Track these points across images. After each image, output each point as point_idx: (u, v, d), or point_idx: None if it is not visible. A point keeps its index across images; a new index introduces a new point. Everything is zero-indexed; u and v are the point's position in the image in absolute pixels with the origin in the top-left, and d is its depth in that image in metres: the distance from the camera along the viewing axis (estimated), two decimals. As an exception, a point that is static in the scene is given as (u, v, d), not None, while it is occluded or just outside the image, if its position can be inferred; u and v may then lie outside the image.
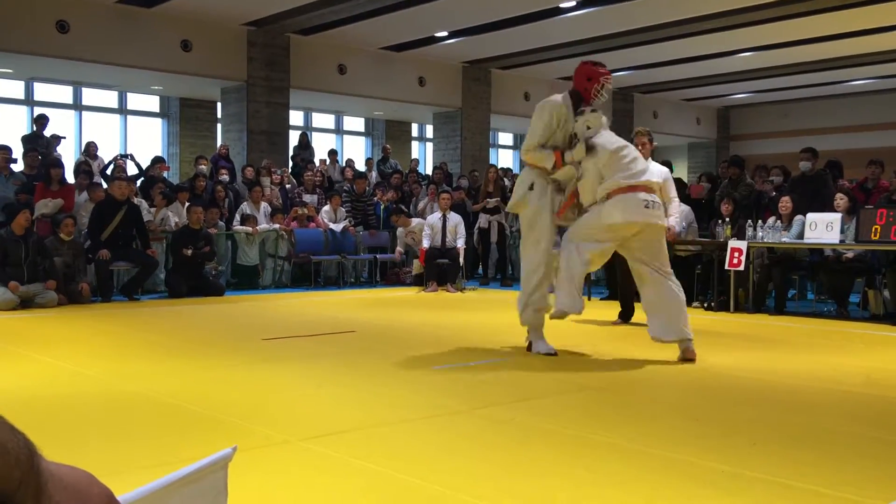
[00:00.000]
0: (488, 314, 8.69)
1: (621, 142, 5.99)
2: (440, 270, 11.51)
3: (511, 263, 13.58)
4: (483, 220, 12.98)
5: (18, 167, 11.17)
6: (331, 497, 2.90)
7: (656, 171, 7.24)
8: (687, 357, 5.77)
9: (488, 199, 13.05)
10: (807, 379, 5.19)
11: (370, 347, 6.32)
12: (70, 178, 11.23)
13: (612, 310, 9.21)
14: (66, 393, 4.61)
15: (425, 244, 11.58)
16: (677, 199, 7.55)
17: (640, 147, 7.39)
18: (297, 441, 3.55)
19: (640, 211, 5.69)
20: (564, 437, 3.70)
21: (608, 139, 5.94)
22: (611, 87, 6.12)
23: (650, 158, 7.41)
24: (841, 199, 8.70)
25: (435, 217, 11.88)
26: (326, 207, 12.55)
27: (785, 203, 9.16)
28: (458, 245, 11.62)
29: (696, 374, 5.35)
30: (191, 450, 3.39)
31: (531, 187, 6.03)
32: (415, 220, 12.40)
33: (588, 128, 5.92)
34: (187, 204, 10.96)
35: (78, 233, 9.66)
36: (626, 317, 8.15)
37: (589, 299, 10.13)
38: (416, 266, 11.94)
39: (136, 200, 10.50)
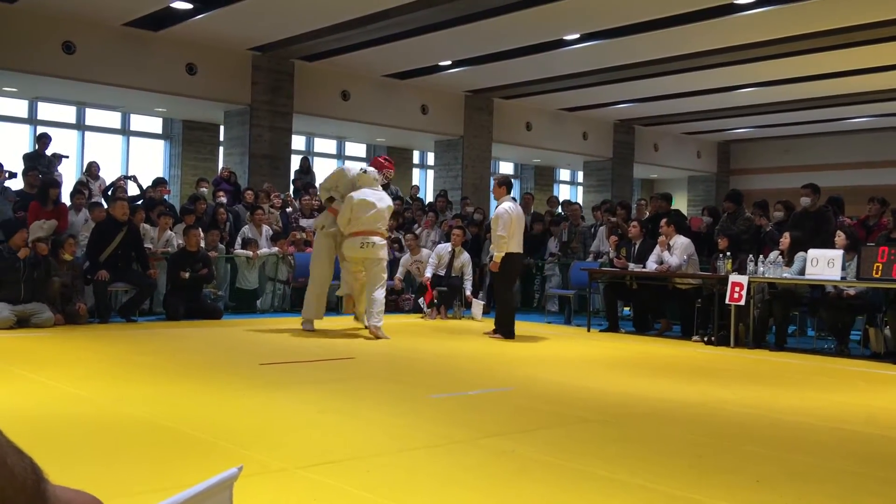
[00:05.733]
0: (488, 343, 8.64)
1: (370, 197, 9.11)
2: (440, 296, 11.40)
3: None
4: (485, 246, 12.94)
5: (18, 184, 11.18)
6: (329, 527, 2.85)
7: (503, 210, 8.90)
8: (378, 336, 8.53)
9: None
10: (809, 416, 5.15)
11: (369, 374, 6.28)
12: (68, 197, 11.20)
13: (613, 342, 9.18)
14: (61, 414, 4.56)
15: (428, 273, 11.45)
16: (498, 238, 8.91)
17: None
18: (294, 469, 3.51)
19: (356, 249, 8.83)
20: (565, 470, 3.65)
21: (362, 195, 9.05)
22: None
23: (504, 199, 9.03)
24: (839, 237, 8.68)
25: (445, 248, 11.73)
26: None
27: (784, 239, 9.15)
28: (466, 287, 11.45)
29: (698, 408, 5.31)
30: (187, 475, 3.34)
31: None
32: (424, 251, 12.18)
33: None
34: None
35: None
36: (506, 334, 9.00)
37: (588, 331, 10.12)
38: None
39: (143, 227, 10.46)
